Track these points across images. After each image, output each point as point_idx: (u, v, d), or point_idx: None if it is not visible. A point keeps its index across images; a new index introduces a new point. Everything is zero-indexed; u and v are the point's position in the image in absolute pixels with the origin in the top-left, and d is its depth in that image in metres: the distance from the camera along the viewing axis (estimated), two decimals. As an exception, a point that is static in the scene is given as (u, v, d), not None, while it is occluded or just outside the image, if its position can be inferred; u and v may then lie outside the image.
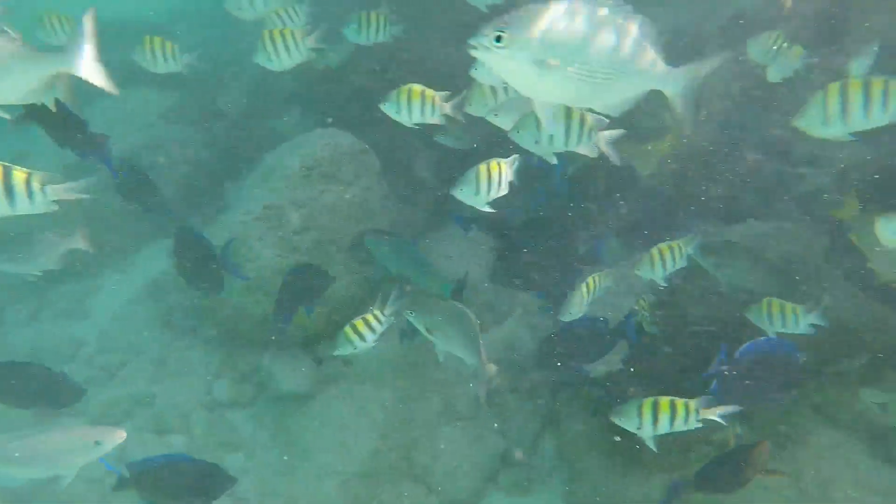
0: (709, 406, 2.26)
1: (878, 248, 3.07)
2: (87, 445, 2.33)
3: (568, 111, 1.89)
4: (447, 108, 2.31)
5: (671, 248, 2.64)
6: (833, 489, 2.90)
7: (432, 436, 3.65)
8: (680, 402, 2.26)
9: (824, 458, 3.03)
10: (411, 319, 2.67)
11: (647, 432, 2.28)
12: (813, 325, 2.55)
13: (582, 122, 1.91)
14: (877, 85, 1.90)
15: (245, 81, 6.25)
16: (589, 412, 3.36)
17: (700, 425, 2.28)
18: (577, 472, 3.44)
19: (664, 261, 2.62)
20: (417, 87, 2.33)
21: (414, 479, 3.51)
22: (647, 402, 2.26)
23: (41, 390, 2.81)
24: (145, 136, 5.74)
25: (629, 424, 2.29)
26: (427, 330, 2.66)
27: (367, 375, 3.78)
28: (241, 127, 5.79)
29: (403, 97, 2.31)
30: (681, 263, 2.68)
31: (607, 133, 1.93)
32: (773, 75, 3.16)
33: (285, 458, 3.63)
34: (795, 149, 4.07)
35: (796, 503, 2.89)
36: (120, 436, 2.40)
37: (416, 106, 2.31)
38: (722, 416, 2.26)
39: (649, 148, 3.90)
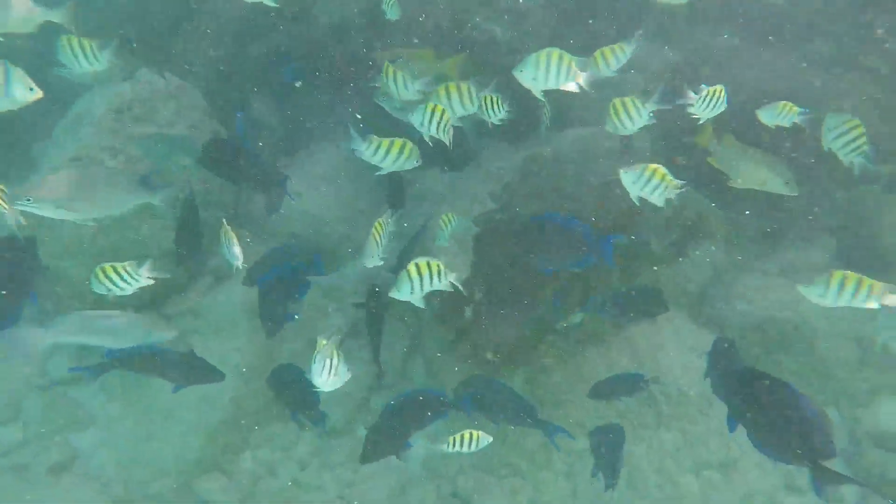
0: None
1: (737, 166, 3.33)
2: (144, 329, 3.03)
3: None
4: None
5: (379, 226, 2.64)
6: (662, 354, 3.29)
7: (299, 373, 3.59)
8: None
9: (655, 329, 3.40)
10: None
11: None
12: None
13: None
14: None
15: (34, 22, 5.35)
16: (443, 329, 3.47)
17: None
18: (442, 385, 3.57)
19: (378, 243, 2.65)
20: None
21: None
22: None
23: None
24: None
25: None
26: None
27: (220, 325, 3.60)
28: (35, 75, 4.99)
29: None
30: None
31: None
32: None
33: (142, 424, 3.41)
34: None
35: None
36: (171, 332, 3.18)
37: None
38: None
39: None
